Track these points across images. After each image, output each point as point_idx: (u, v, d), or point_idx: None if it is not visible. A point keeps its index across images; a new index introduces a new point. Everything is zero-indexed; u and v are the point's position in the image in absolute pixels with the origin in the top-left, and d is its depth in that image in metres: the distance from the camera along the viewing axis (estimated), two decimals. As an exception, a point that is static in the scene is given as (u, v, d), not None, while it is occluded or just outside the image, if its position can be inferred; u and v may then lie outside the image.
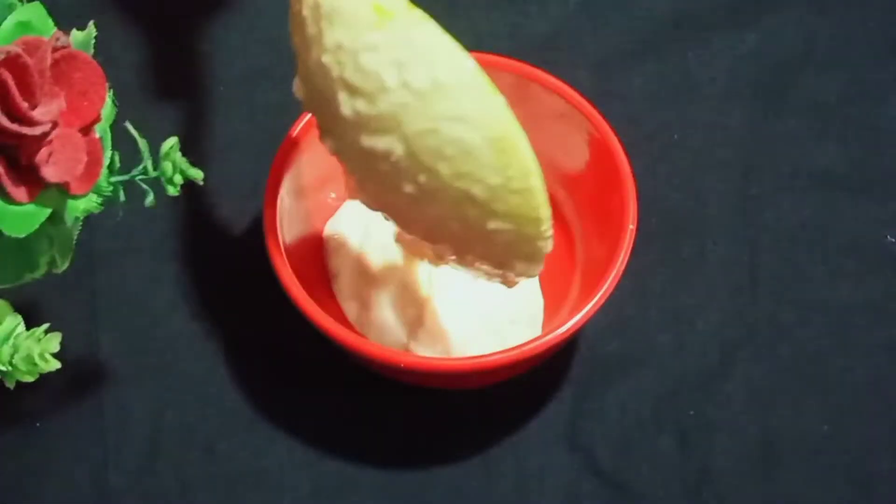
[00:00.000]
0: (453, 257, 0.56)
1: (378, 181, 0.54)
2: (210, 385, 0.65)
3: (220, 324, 0.66)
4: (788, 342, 0.66)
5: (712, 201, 0.70)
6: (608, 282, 0.59)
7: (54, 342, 0.51)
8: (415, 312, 0.62)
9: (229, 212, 0.69)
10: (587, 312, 0.58)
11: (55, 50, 0.48)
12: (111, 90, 0.51)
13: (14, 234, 0.48)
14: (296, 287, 0.59)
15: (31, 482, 0.63)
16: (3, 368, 0.50)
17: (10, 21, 0.49)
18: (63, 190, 0.49)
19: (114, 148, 0.52)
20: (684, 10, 0.77)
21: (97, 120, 0.50)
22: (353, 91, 0.51)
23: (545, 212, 0.52)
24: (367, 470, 0.63)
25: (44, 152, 0.47)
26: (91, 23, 0.51)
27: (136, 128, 0.51)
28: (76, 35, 0.51)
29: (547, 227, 0.53)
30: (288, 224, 0.62)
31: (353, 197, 0.59)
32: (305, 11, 0.52)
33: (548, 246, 0.54)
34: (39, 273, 0.52)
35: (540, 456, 0.63)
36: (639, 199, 0.61)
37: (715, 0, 0.77)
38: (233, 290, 0.67)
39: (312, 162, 0.65)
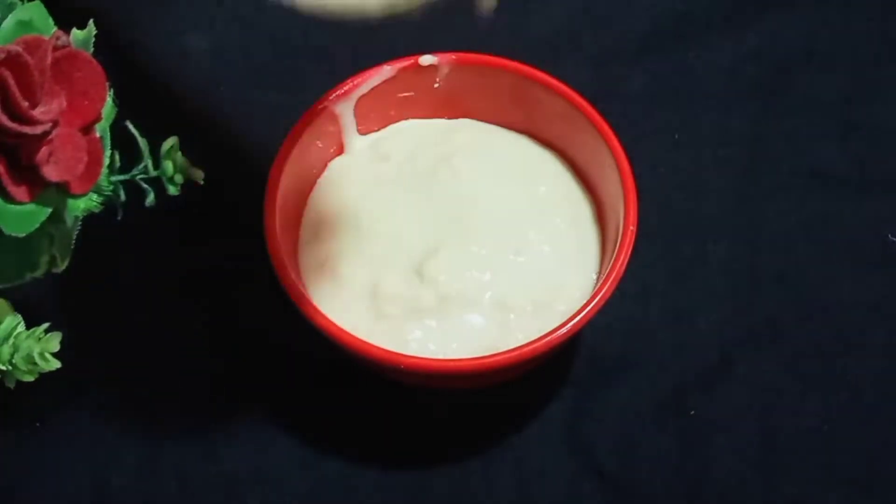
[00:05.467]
0: None
1: None
2: (210, 385, 0.65)
3: (220, 323, 0.67)
4: (788, 342, 0.66)
5: (712, 201, 0.70)
6: (608, 282, 0.59)
7: (54, 341, 0.51)
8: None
9: (229, 211, 0.69)
10: (587, 312, 0.58)
11: (56, 49, 0.48)
12: (111, 89, 0.51)
13: (14, 234, 0.48)
14: (297, 288, 0.59)
15: (31, 482, 0.63)
16: (4, 368, 0.50)
17: (11, 20, 0.49)
18: (63, 189, 0.49)
19: (114, 147, 0.52)
20: (684, 9, 0.77)
21: (98, 119, 0.50)
22: None
23: None
24: (367, 470, 0.63)
25: (44, 151, 0.47)
26: (91, 22, 0.51)
27: (136, 127, 0.51)
28: (77, 34, 0.51)
29: None
30: (287, 224, 0.63)
31: None
32: None
33: None
34: (40, 272, 0.52)
35: (540, 456, 0.63)
36: (639, 199, 0.61)
37: (715, 0, 0.77)
38: (233, 290, 0.67)
39: (313, 161, 0.65)
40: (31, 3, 0.49)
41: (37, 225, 0.48)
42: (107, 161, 0.51)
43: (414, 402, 0.64)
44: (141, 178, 0.52)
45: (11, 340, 0.50)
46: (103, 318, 0.67)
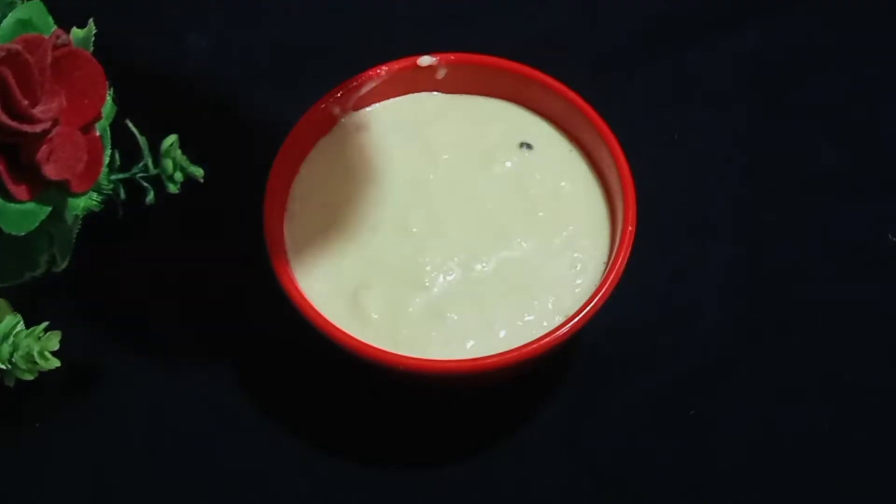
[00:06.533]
0: None
1: None
2: (210, 385, 0.65)
3: (219, 324, 0.67)
4: (788, 342, 0.66)
5: (712, 201, 0.70)
6: (608, 282, 0.59)
7: (54, 341, 0.51)
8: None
9: (229, 210, 0.69)
10: (587, 313, 0.58)
11: (56, 48, 0.48)
12: (111, 88, 0.51)
13: (14, 233, 0.48)
14: (296, 288, 0.59)
15: (30, 482, 0.63)
16: (3, 367, 0.50)
17: (11, 19, 0.49)
18: (63, 188, 0.49)
19: (114, 146, 0.52)
20: (684, 9, 0.77)
21: (98, 118, 0.50)
22: None
23: None
24: (367, 470, 0.63)
25: (44, 150, 0.47)
26: (91, 21, 0.51)
27: (136, 126, 0.51)
28: (76, 33, 0.51)
29: None
30: (288, 223, 0.63)
31: None
32: None
33: None
34: (39, 272, 0.52)
35: (540, 456, 0.63)
36: (639, 199, 0.61)
37: (715, 0, 0.77)
38: (232, 290, 0.67)
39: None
40: (31, 2, 0.49)
41: (37, 224, 0.48)
42: (107, 160, 0.51)
43: (414, 402, 0.64)
44: (141, 177, 0.52)
45: (11, 339, 0.50)
46: (103, 317, 0.67)
